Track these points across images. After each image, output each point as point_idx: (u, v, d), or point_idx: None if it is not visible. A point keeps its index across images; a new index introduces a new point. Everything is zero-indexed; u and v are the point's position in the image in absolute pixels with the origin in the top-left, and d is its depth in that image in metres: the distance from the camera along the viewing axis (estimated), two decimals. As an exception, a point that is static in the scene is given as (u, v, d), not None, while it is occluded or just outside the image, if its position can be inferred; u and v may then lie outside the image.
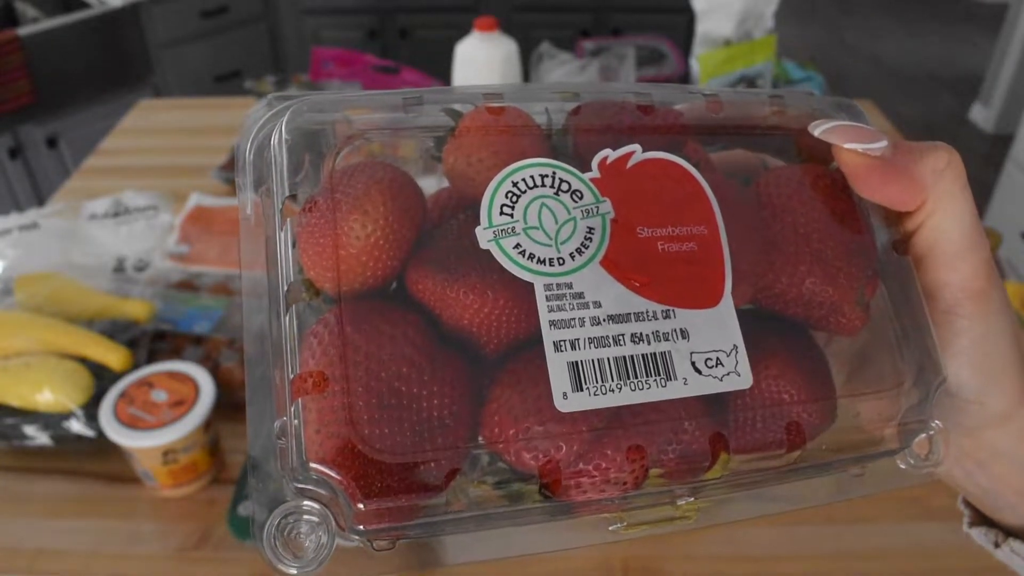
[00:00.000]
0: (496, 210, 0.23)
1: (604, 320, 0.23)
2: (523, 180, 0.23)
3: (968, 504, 0.30)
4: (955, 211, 0.25)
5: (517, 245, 0.23)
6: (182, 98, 1.71)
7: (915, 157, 0.25)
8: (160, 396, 0.65)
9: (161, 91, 2.05)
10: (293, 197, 0.23)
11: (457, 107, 0.25)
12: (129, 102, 1.41)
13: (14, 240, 0.90)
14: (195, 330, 0.78)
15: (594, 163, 0.24)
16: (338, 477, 0.20)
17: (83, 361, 0.72)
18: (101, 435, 0.65)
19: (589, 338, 0.22)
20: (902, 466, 0.25)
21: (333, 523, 0.20)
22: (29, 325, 0.74)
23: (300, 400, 0.21)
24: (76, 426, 0.68)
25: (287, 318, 0.22)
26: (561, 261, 0.23)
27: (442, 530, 0.22)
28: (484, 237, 0.23)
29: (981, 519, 0.29)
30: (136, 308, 0.79)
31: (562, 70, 1.19)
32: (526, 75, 1.20)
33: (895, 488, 0.26)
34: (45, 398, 0.68)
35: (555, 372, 0.22)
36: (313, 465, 0.20)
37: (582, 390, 0.22)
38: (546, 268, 0.23)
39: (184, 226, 0.97)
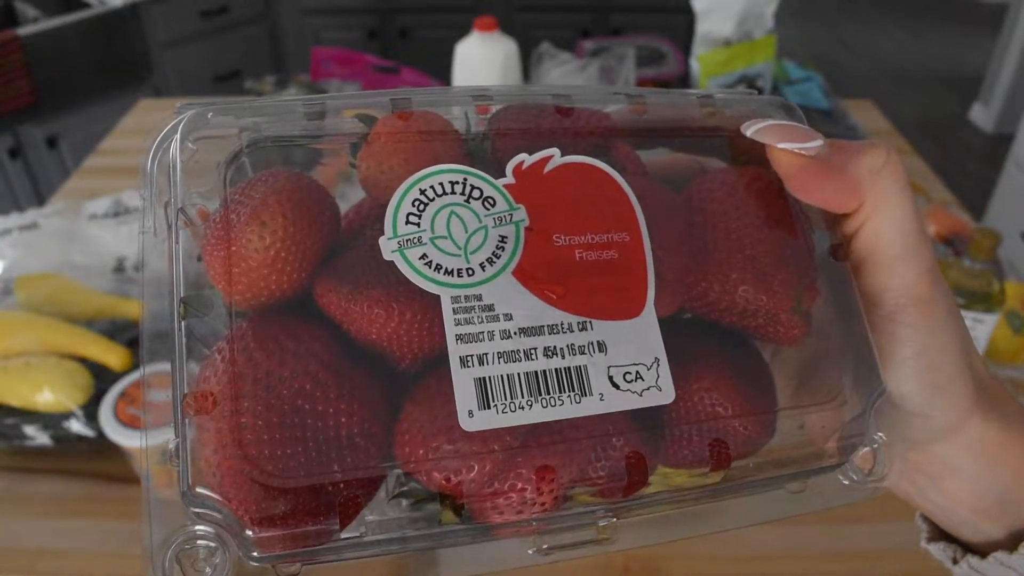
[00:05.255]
0: (401, 219, 0.22)
1: (515, 333, 0.21)
2: (431, 187, 0.22)
3: (927, 519, 0.29)
4: (894, 213, 0.23)
5: (423, 256, 0.21)
6: (182, 98, 1.70)
7: (851, 156, 0.23)
8: (160, 396, 0.65)
9: (161, 91, 2.04)
10: (198, 207, 0.22)
11: (371, 113, 0.23)
12: (129, 102, 1.41)
13: (14, 240, 0.90)
14: (195, 330, 0.78)
15: (509, 168, 0.23)
16: (226, 502, 0.19)
17: (83, 361, 0.72)
18: (101, 435, 0.65)
19: (498, 353, 0.21)
20: (845, 482, 0.24)
21: (234, 547, 0.19)
22: (29, 325, 0.74)
23: (196, 420, 0.20)
24: (76, 426, 0.68)
25: (181, 334, 0.21)
26: (471, 272, 0.22)
27: (354, 553, 0.20)
28: (388, 248, 0.21)
29: (940, 534, 0.28)
30: (136, 308, 0.79)
31: (562, 70, 1.19)
32: (526, 75, 1.20)
33: (839, 505, 0.24)
34: (45, 398, 0.68)
35: (460, 389, 0.21)
36: (199, 490, 0.19)
37: (489, 408, 0.21)
38: (454, 279, 0.21)
39: (184, 226, 0.97)
